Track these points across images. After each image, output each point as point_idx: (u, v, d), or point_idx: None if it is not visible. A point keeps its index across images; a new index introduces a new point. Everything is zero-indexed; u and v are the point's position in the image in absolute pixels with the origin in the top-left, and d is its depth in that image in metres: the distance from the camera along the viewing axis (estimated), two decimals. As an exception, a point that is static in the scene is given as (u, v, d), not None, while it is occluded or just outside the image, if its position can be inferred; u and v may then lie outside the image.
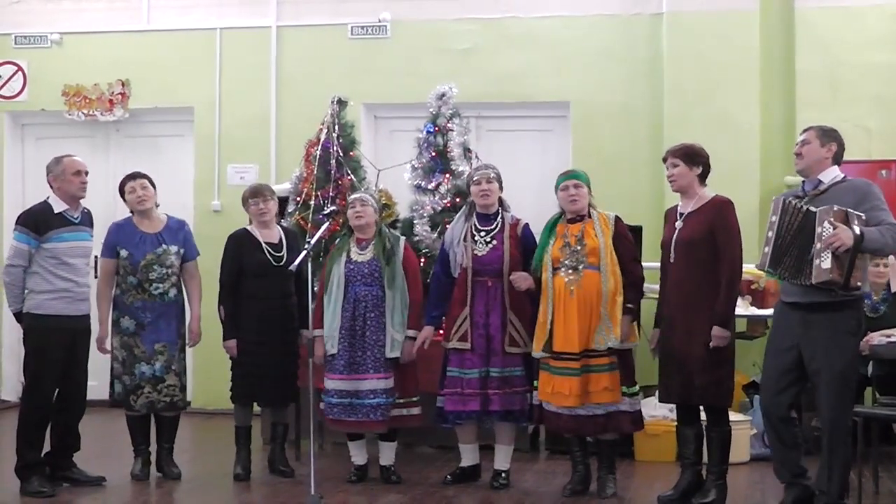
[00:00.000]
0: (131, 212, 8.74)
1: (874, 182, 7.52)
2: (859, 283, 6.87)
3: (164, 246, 8.58)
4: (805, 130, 7.34)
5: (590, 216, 8.02)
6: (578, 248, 7.88)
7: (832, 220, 6.76)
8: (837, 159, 7.19)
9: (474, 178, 8.39)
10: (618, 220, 8.05)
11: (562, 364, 7.81)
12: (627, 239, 8.07)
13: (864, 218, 6.82)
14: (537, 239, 8.30)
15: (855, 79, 10.95)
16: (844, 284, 6.80)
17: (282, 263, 8.57)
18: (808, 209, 6.89)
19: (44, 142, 12.65)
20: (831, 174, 7.13)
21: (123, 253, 8.51)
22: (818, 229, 6.79)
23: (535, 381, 8.08)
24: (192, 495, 8.34)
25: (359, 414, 8.22)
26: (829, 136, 7.20)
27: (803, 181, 7.27)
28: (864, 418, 7.86)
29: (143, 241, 8.56)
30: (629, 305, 7.85)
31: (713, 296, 7.50)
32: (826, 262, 6.76)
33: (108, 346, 8.59)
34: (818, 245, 6.79)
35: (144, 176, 8.75)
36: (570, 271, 7.87)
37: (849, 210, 6.80)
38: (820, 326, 6.97)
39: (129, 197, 8.68)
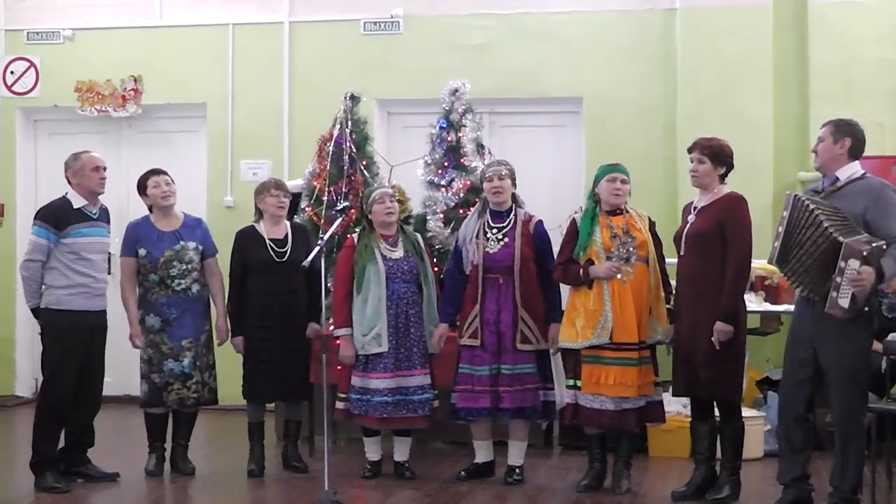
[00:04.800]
0: (149, 209, 8.74)
1: (882, 178, 7.48)
2: (866, 309, 6.87)
3: (182, 242, 8.60)
4: (823, 125, 7.29)
5: (627, 211, 8.04)
6: (628, 239, 7.88)
7: (860, 262, 6.64)
8: (855, 153, 7.12)
9: (487, 175, 8.39)
10: (650, 219, 8.11)
11: (621, 355, 7.81)
12: (658, 239, 8.10)
13: (884, 248, 6.74)
14: (550, 236, 8.33)
15: (869, 74, 10.93)
16: (853, 318, 6.82)
17: (285, 259, 8.57)
18: (836, 237, 6.73)
19: (56, 138, 12.68)
20: (849, 171, 7.08)
21: (142, 251, 8.53)
22: (842, 263, 6.69)
23: (569, 382, 8.03)
24: (206, 492, 8.35)
25: (405, 410, 8.26)
26: (842, 131, 7.13)
27: (823, 177, 7.24)
28: (878, 414, 7.86)
29: (160, 239, 8.57)
30: (668, 306, 7.90)
31: (721, 291, 7.51)
32: (845, 300, 6.72)
33: (137, 342, 8.55)
34: (838, 279, 6.72)
35: (166, 172, 8.78)
36: (623, 262, 7.87)
37: (874, 249, 6.67)
38: (832, 321, 6.93)
39: (152, 192, 8.68)
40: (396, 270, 8.35)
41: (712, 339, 7.47)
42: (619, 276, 7.82)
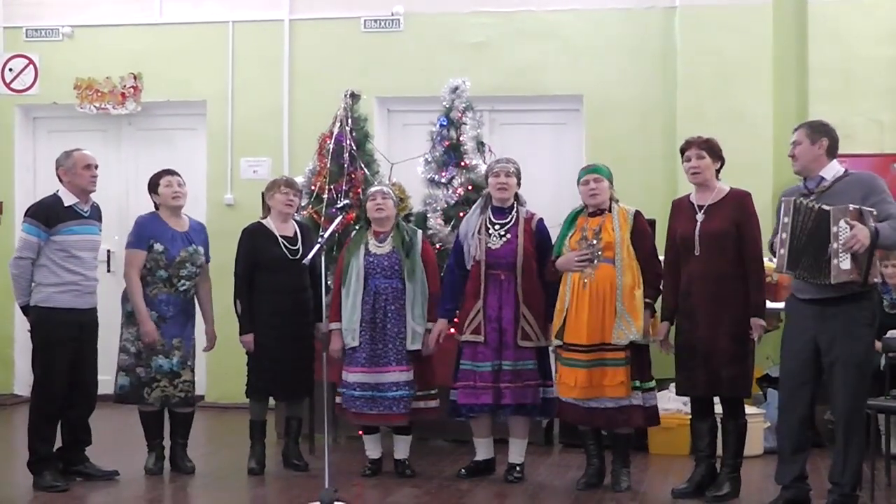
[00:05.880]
0: (156, 207, 8.72)
1: (880, 175, 7.52)
2: (876, 279, 6.88)
3: (194, 246, 8.59)
4: (795, 130, 7.33)
5: (610, 210, 8.02)
6: (595, 241, 7.88)
7: (848, 219, 6.73)
8: (832, 152, 7.18)
9: (494, 170, 8.39)
10: (638, 215, 8.04)
11: (569, 355, 7.84)
12: (647, 235, 8.07)
13: (875, 213, 6.80)
14: (551, 234, 8.33)
15: (868, 72, 10.95)
16: (863, 282, 6.81)
17: (297, 257, 8.55)
18: (821, 208, 6.86)
19: (55, 135, 12.66)
20: (832, 170, 7.13)
21: (158, 247, 8.48)
22: (833, 228, 6.75)
23: (553, 374, 8.12)
24: (205, 490, 8.33)
25: (380, 407, 8.23)
26: (818, 131, 7.19)
27: (804, 179, 7.25)
28: (877, 411, 7.87)
29: (174, 238, 8.54)
30: (647, 300, 7.84)
31: (738, 288, 7.53)
32: (845, 262, 6.74)
33: (155, 336, 8.45)
34: (835, 245, 6.75)
35: (179, 174, 8.75)
36: (587, 263, 7.87)
37: (863, 208, 6.78)
38: (836, 318, 6.96)
39: (164, 190, 8.63)
40: (377, 266, 8.35)
41: (752, 335, 7.52)
42: (576, 267, 7.89)
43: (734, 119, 10.75)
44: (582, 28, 11.59)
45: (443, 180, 9.87)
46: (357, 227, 8.72)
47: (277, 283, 8.56)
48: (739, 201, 7.67)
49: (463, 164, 9.84)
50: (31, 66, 12.63)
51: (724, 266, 7.56)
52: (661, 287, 7.97)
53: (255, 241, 8.67)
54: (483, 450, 8.49)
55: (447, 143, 9.89)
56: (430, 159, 9.99)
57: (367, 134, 10.37)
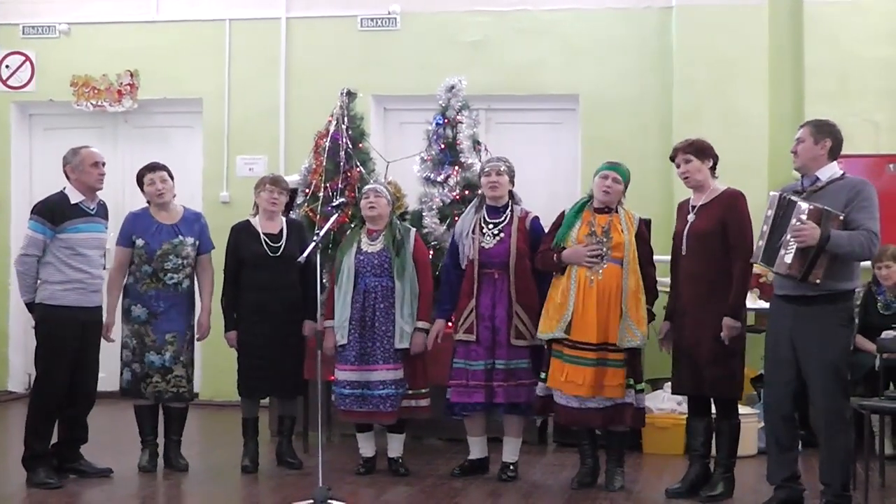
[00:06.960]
0: (148, 202, 8.73)
1: (876, 176, 7.51)
2: (817, 281, 6.83)
3: (181, 237, 8.57)
4: (801, 127, 7.32)
5: (617, 211, 8.01)
6: (604, 239, 7.86)
7: (805, 216, 6.75)
8: (834, 154, 7.15)
9: (485, 170, 8.40)
10: (641, 221, 8.05)
11: (577, 353, 7.79)
12: (646, 242, 8.06)
13: (841, 219, 6.80)
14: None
15: (863, 73, 10.97)
16: (802, 279, 6.82)
17: (279, 254, 8.56)
18: (790, 199, 6.90)
19: (51, 132, 12.69)
20: (829, 171, 7.11)
21: (139, 242, 8.49)
22: (793, 221, 6.80)
23: (541, 373, 8.06)
24: (199, 487, 8.32)
25: (369, 405, 8.22)
26: (822, 131, 7.15)
27: (802, 177, 7.25)
28: (872, 412, 7.87)
29: (159, 231, 8.55)
30: (647, 307, 7.86)
31: (725, 288, 7.52)
32: (789, 256, 6.80)
33: (112, 336, 8.55)
34: (788, 236, 6.81)
35: (164, 168, 8.74)
36: (596, 260, 7.87)
37: (826, 209, 6.77)
38: (812, 318, 6.97)
39: (148, 189, 8.67)
40: (367, 264, 8.34)
41: (721, 335, 7.49)
42: (586, 262, 7.82)
43: (730, 119, 10.77)
44: (578, 27, 11.61)
45: (439, 179, 9.85)
46: (353, 226, 8.70)
47: (260, 281, 8.55)
48: (729, 201, 7.66)
49: (459, 163, 9.82)
50: (27, 63, 12.64)
51: (710, 266, 7.56)
52: (656, 292, 7.99)
53: (238, 238, 8.69)
54: (477, 448, 8.50)
55: (443, 141, 9.88)
56: (425, 158, 9.98)
57: (364, 132, 10.33)
